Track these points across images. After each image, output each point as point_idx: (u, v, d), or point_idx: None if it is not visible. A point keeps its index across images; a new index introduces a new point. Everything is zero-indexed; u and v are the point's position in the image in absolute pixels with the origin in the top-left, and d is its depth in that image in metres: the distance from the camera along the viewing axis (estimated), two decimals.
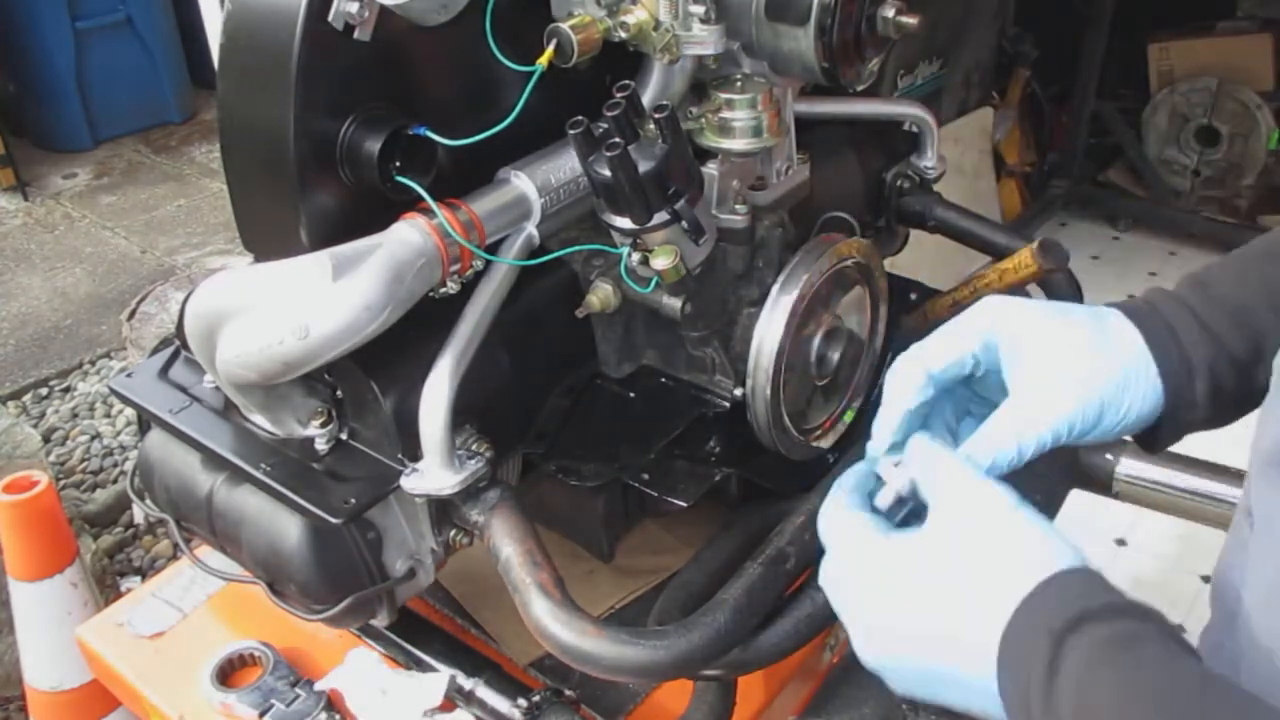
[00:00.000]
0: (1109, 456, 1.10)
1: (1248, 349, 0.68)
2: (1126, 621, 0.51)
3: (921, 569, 0.59)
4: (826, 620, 0.84)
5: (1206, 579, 2.46)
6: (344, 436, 0.89)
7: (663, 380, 1.04)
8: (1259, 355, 0.68)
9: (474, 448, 0.86)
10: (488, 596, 1.11)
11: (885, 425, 0.68)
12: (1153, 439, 0.71)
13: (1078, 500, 1.13)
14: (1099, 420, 0.66)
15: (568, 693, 0.98)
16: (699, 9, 0.88)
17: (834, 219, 1.11)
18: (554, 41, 0.85)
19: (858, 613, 0.62)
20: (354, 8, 0.75)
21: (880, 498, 0.65)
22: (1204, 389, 0.67)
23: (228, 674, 1.04)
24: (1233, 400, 0.69)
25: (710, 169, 0.94)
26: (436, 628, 1.05)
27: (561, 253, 0.92)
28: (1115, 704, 0.49)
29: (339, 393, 0.88)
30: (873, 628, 0.61)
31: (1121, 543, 2.49)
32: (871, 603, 0.61)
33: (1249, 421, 0.67)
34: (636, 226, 0.84)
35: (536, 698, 0.94)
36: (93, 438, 2.93)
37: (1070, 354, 0.66)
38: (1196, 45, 3.39)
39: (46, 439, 2.88)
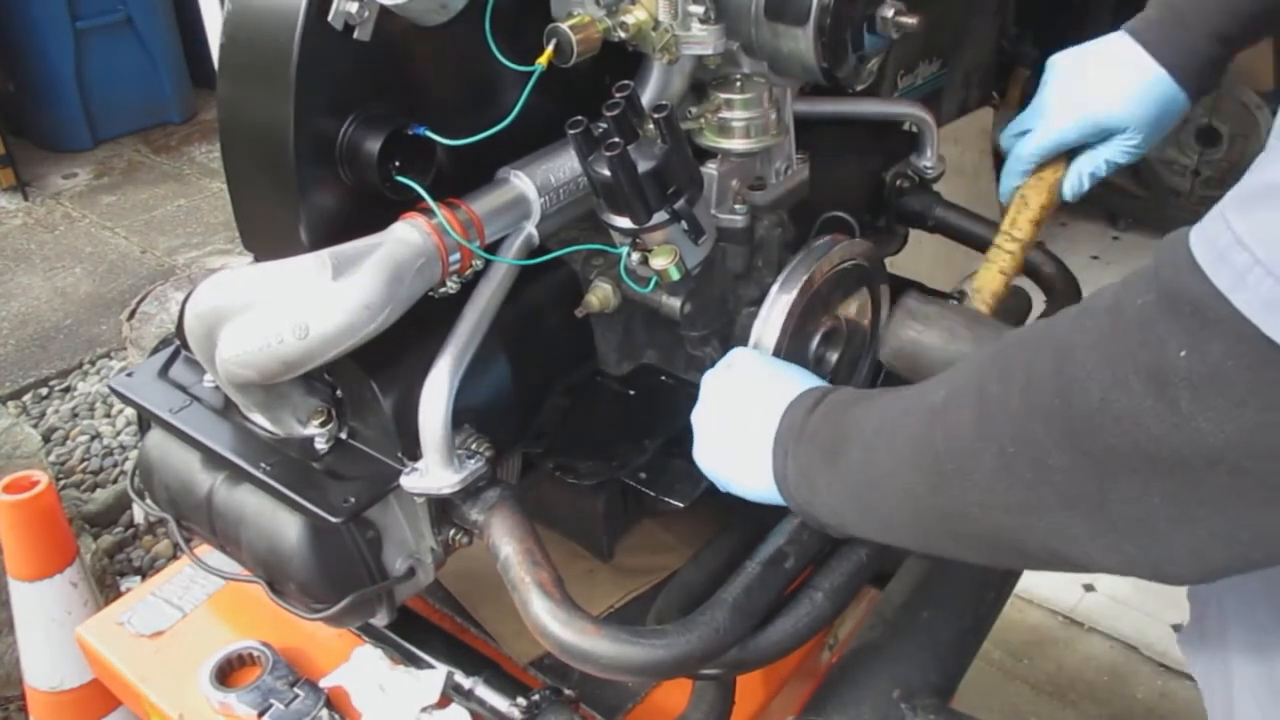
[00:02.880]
0: None
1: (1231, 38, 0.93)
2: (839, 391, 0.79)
3: (731, 395, 0.85)
4: (826, 619, 0.84)
5: None
6: (344, 436, 0.89)
7: (662, 379, 1.04)
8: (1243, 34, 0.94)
9: (473, 447, 0.86)
10: (487, 595, 1.11)
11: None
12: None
13: None
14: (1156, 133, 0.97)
15: (567, 692, 0.98)
16: (698, 9, 0.88)
17: (833, 219, 1.11)
18: (553, 41, 0.85)
19: (697, 423, 0.86)
20: (354, 8, 0.75)
21: None
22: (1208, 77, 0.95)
23: (226, 674, 1.04)
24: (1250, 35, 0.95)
25: (709, 169, 0.95)
26: (436, 627, 1.05)
27: (561, 252, 0.92)
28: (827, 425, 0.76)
29: (339, 392, 0.89)
30: (701, 435, 0.86)
31: None
32: (705, 416, 0.86)
33: None
34: (636, 226, 0.84)
35: (535, 696, 0.94)
36: (93, 438, 2.93)
37: (1135, 106, 0.95)
38: None
39: (46, 439, 2.88)
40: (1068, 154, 1.02)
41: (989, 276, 1.03)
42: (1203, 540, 0.52)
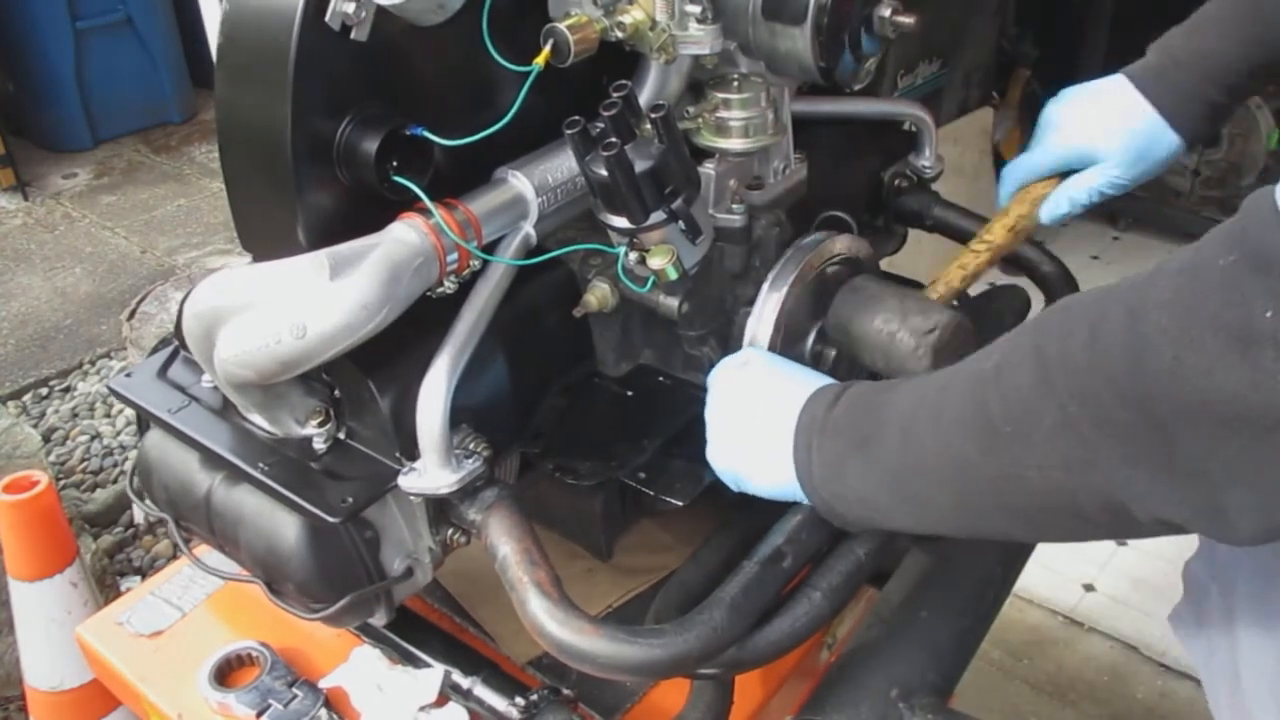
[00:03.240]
0: None
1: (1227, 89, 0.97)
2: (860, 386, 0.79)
3: (744, 396, 0.85)
4: (824, 618, 0.84)
5: None
6: (342, 436, 0.89)
7: (660, 379, 1.04)
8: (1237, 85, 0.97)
9: (471, 447, 0.86)
10: (485, 595, 1.11)
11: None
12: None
13: None
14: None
15: (565, 691, 0.98)
16: (695, 9, 0.88)
17: (831, 219, 1.11)
18: (551, 41, 0.85)
19: (710, 422, 0.86)
20: (351, 8, 0.75)
21: None
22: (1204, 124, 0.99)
23: (225, 674, 1.04)
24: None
25: (707, 169, 0.95)
26: (434, 626, 1.06)
27: (559, 252, 0.92)
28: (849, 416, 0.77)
29: (337, 392, 0.89)
30: (716, 433, 0.86)
31: (1122, 542, 2.49)
32: (718, 414, 0.86)
33: None
34: (633, 226, 0.84)
35: (534, 696, 0.94)
36: (93, 438, 2.93)
37: (1124, 141, 1.01)
38: None
39: (46, 439, 2.88)
40: (1060, 178, 1.08)
41: (950, 270, 1.07)
42: (1269, 498, 0.53)
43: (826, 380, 0.83)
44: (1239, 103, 0.99)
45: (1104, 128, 1.01)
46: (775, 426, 0.80)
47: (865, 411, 0.75)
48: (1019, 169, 1.09)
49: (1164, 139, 0.99)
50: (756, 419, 0.83)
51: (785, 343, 0.94)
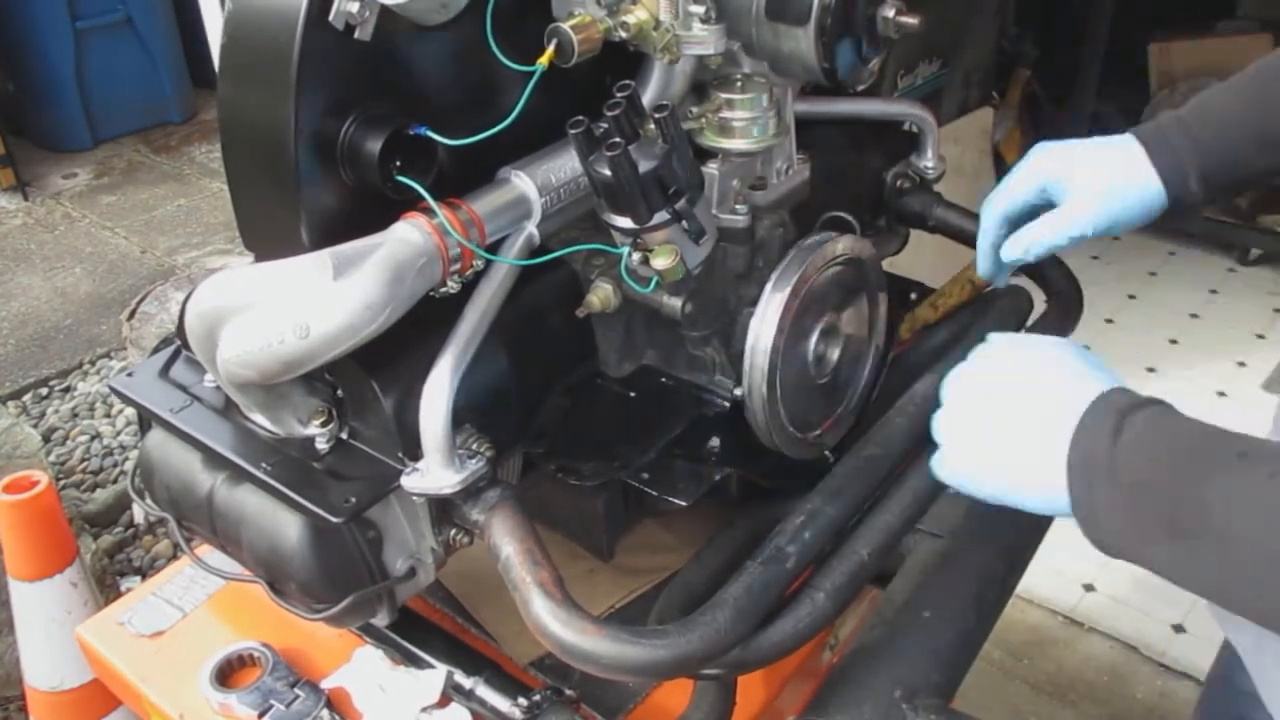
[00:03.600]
0: None
1: (1231, 153, 0.91)
2: (1166, 407, 0.68)
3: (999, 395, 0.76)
4: (827, 619, 0.84)
5: None
6: (344, 436, 0.89)
7: (663, 380, 1.04)
8: (1242, 157, 0.91)
9: (474, 447, 0.86)
10: (488, 596, 1.11)
11: (981, 255, 1.03)
12: (1170, 217, 0.94)
13: None
14: (1115, 220, 0.92)
15: (568, 692, 0.98)
16: (699, 9, 0.88)
17: (834, 219, 1.11)
18: (554, 41, 0.85)
19: (959, 429, 0.77)
20: (355, 7, 0.75)
21: None
22: (1195, 183, 0.91)
23: (227, 674, 1.04)
24: (1223, 187, 0.93)
25: (710, 169, 0.95)
26: (436, 627, 1.05)
27: (562, 252, 0.92)
28: (1168, 449, 0.65)
29: (339, 392, 0.88)
30: (965, 438, 0.77)
31: None
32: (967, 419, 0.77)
33: None
34: (637, 226, 0.84)
35: (536, 697, 0.94)
36: (93, 438, 2.93)
37: (1095, 175, 0.93)
38: (1196, 45, 3.39)
39: (46, 439, 2.88)
40: None
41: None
42: None
43: (1095, 373, 0.72)
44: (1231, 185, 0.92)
45: (1090, 162, 0.93)
46: (1040, 436, 0.70)
47: (1179, 499, 0.63)
48: (997, 199, 1.00)
49: (1148, 192, 0.91)
50: (1011, 421, 0.73)
51: (789, 343, 0.94)
